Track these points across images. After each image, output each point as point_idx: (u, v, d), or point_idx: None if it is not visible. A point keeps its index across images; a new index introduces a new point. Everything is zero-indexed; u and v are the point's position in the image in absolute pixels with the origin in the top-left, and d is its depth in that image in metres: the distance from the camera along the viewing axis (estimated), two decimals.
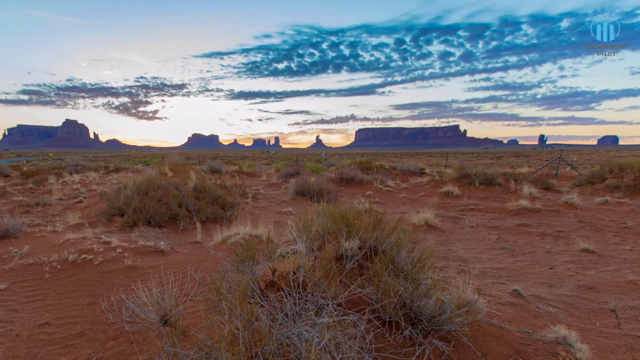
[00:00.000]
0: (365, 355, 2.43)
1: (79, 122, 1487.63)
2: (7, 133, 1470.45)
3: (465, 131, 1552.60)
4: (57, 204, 12.77)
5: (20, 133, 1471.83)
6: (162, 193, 10.23)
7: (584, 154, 78.00)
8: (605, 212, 11.12)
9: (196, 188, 11.22)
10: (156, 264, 5.79)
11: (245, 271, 3.00)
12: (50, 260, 5.88)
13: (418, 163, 33.64)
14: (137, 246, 6.65)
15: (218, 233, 6.74)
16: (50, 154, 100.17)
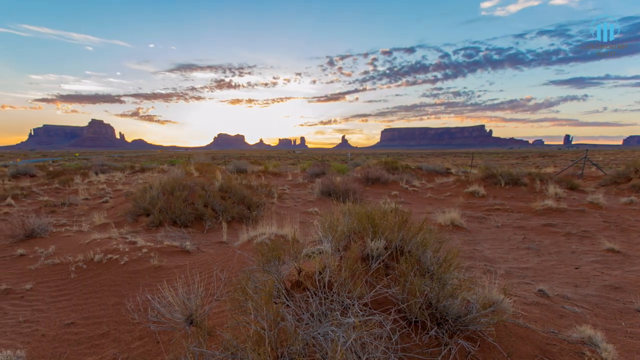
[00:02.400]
0: (391, 356, 2.42)
1: (105, 122, 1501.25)
2: (32, 133, 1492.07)
3: (490, 131, 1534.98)
4: (83, 204, 12.97)
5: (46, 133, 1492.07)
6: (187, 193, 10.29)
7: (609, 154, 76.55)
8: (631, 212, 10.88)
9: (222, 188, 11.27)
10: (182, 264, 5.82)
11: (271, 271, 3.01)
12: (75, 260, 5.95)
13: (444, 163, 33.32)
14: (163, 246, 6.70)
15: (244, 233, 6.74)
16: (76, 154, 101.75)
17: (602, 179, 17.85)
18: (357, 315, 2.47)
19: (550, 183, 15.10)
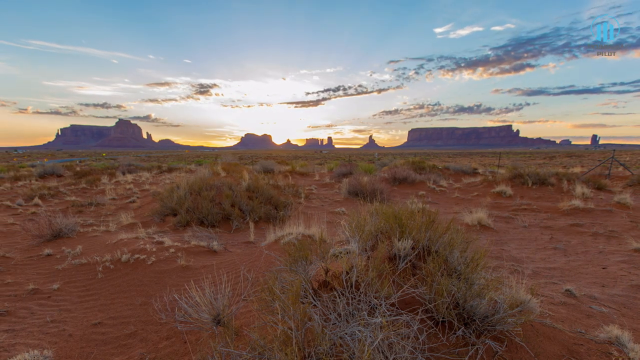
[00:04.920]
0: (418, 356, 2.41)
1: (132, 122, 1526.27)
2: (60, 133, 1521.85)
3: (518, 131, 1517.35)
4: (110, 204, 13.04)
5: (74, 133, 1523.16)
6: (215, 193, 10.32)
7: (636, 153, 74.62)
8: None
9: (249, 188, 11.28)
10: (209, 264, 5.83)
11: (298, 271, 3.03)
12: (103, 260, 5.98)
13: (471, 163, 32.85)
14: (190, 246, 6.72)
15: (271, 233, 6.73)
16: (104, 154, 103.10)
17: (629, 178, 17.46)
18: (384, 315, 2.48)
19: (577, 183, 14.89)
